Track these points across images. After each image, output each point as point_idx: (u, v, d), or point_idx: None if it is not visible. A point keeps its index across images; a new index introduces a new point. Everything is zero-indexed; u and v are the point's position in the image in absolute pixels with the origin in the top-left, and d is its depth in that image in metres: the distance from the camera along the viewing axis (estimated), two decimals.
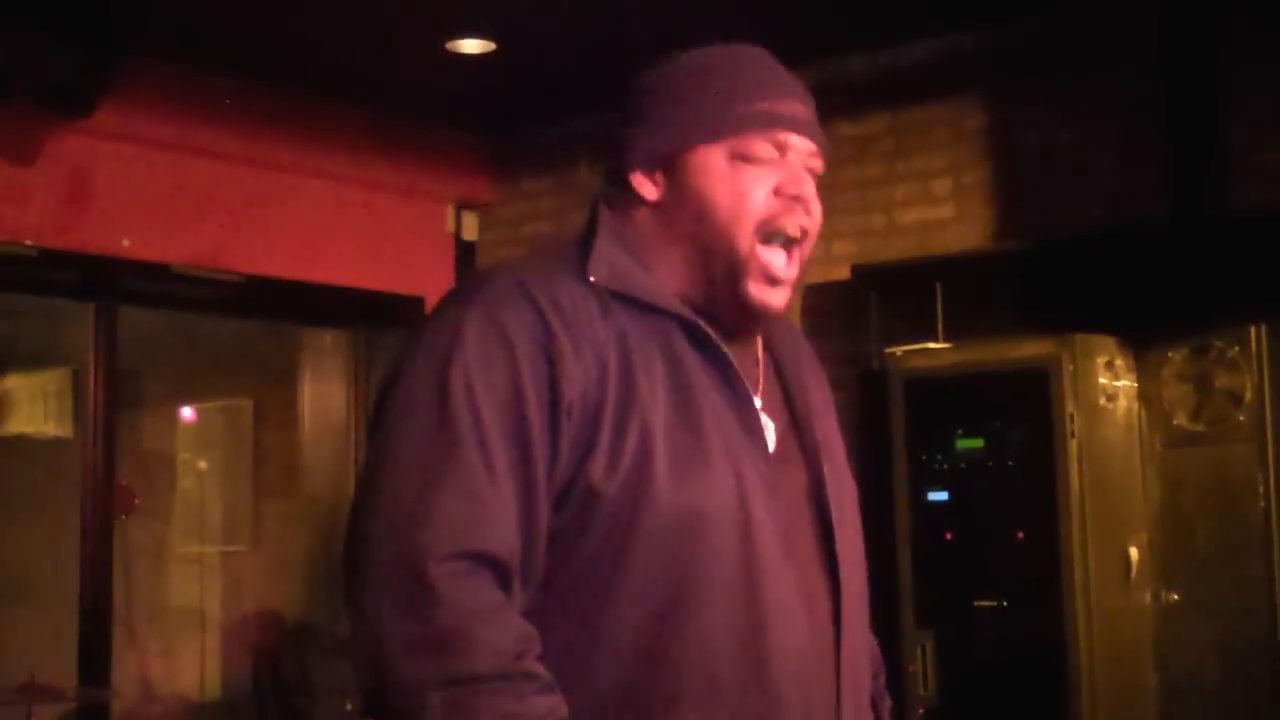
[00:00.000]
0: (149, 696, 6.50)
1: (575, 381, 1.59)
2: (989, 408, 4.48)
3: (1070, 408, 4.28)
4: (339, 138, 5.84)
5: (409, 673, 1.49)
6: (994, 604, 4.41)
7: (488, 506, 1.54)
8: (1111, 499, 4.37)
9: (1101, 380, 4.38)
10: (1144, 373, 4.52)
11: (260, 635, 6.48)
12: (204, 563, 7.08)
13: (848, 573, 1.75)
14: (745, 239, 1.70)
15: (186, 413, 7.24)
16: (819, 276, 5.43)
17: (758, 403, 1.73)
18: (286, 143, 5.68)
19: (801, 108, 1.76)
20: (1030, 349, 4.38)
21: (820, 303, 5.42)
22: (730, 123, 1.70)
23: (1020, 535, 4.37)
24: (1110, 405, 4.41)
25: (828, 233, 5.35)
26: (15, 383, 6.82)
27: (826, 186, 5.67)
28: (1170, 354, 4.47)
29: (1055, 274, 4.71)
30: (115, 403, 5.42)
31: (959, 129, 5.15)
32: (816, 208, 1.76)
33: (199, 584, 7.07)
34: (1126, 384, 4.48)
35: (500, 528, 1.54)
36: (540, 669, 1.53)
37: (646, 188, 1.74)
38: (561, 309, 1.61)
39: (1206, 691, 4.36)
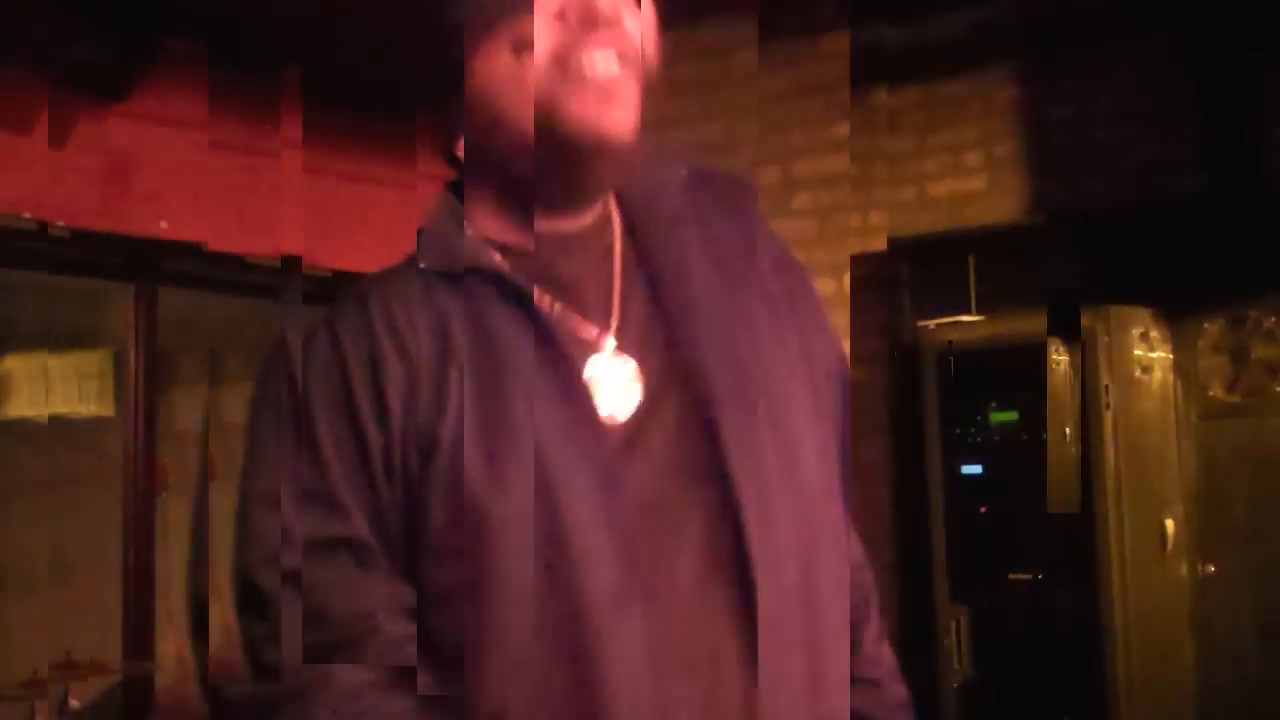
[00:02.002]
0: (188, 674, 6.56)
1: (397, 381, 1.35)
2: (1023, 380, 4.47)
3: (1105, 380, 4.26)
4: (378, 123, 5.85)
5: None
6: (1029, 577, 4.41)
7: (329, 495, 1.35)
8: (1147, 471, 4.35)
9: (1136, 352, 4.36)
10: (1179, 344, 4.50)
11: None
12: None
13: (770, 589, 1.26)
14: (545, 96, 1.32)
15: None
16: (857, 247, 5.41)
17: (609, 344, 1.34)
18: (320, 124, 5.70)
19: None
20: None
21: (857, 274, 5.40)
22: (496, 8, 1.34)
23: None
24: (1145, 377, 4.39)
25: (864, 204, 5.39)
26: (56, 363, 6.88)
27: (863, 156, 5.60)
28: (1206, 325, 4.45)
29: (1088, 245, 4.69)
30: (155, 383, 5.47)
31: (991, 101, 5.11)
32: (632, 21, 1.36)
33: None
34: (1161, 355, 4.46)
35: (343, 511, 1.34)
36: (390, 627, 1.30)
37: (458, 146, 1.44)
38: (390, 311, 1.39)
39: (1243, 663, 4.35)
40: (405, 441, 1.33)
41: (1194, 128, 4.54)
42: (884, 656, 1.59)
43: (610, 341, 1.34)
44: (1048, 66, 4.98)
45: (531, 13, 1.31)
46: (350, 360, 1.37)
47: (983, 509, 4.50)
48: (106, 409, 6.56)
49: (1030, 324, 4.46)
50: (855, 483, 4.55)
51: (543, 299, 1.34)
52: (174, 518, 6.24)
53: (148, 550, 5.33)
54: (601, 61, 1.31)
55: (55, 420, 6.62)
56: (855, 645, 1.48)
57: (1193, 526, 4.47)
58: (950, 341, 4.60)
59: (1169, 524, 4.41)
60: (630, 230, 1.40)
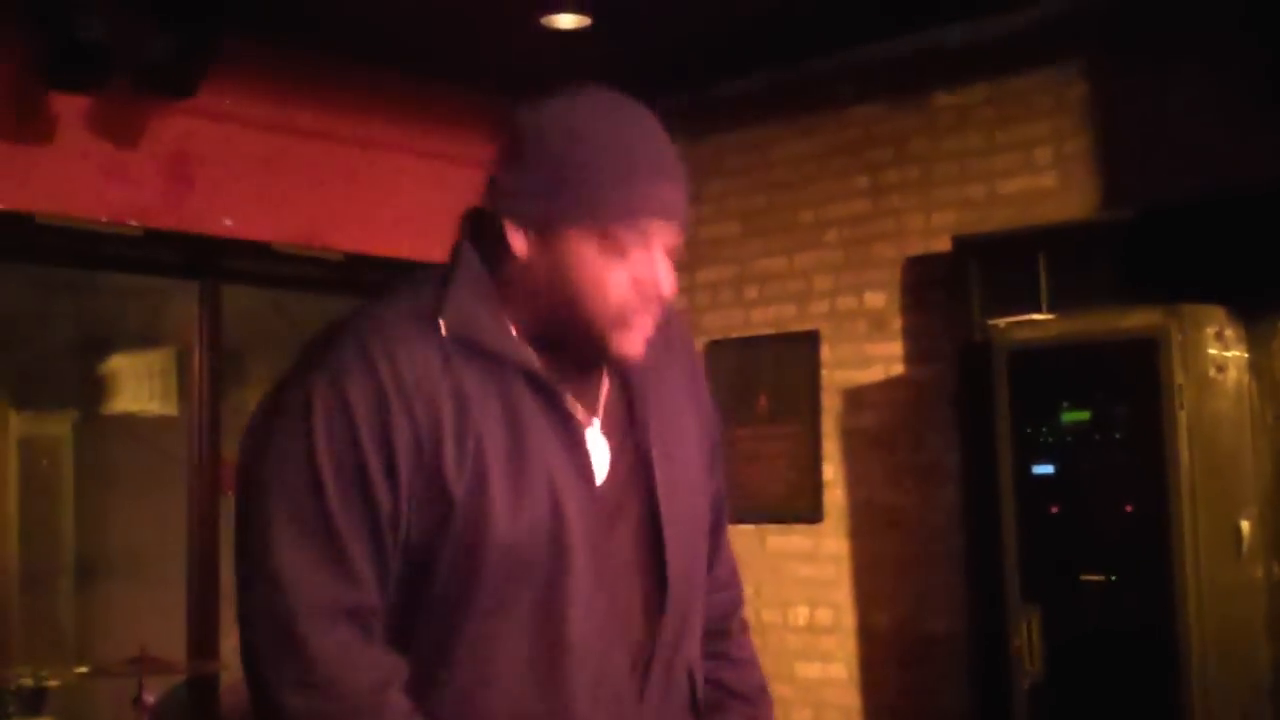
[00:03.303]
0: None
1: (405, 435, 1.73)
2: (1095, 379, 4.41)
3: (1179, 379, 4.20)
4: (436, 115, 5.86)
5: (294, 706, 1.71)
6: (1101, 578, 4.35)
7: (343, 564, 1.73)
8: (1222, 472, 4.29)
9: (1211, 351, 4.29)
10: (1255, 343, 4.43)
11: None
12: None
13: (677, 586, 1.89)
14: (600, 322, 1.81)
15: None
16: (918, 249, 5.38)
17: (596, 425, 1.88)
18: (384, 121, 5.71)
19: (677, 191, 1.84)
20: (1137, 319, 4.30)
21: (920, 275, 5.37)
22: (606, 210, 1.77)
23: (1128, 508, 4.30)
24: (1220, 376, 4.32)
25: (926, 204, 5.36)
26: (121, 362, 6.93)
27: (924, 158, 5.67)
28: None
29: (1162, 243, 4.63)
30: (219, 381, 5.49)
31: (1061, 97, 5.06)
32: (670, 283, 1.83)
33: None
34: (1236, 355, 4.39)
35: (356, 579, 1.73)
36: (397, 699, 1.73)
37: (517, 241, 1.82)
38: (398, 372, 1.74)
39: None
40: (410, 500, 1.74)
41: (1269, 122, 4.47)
42: (748, 645, 2.18)
43: (596, 423, 1.89)
44: (1119, 61, 4.93)
45: (623, 229, 1.78)
46: (361, 425, 1.72)
47: (1054, 509, 4.44)
48: (170, 408, 6.61)
49: (1102, 322, 4.41)
50: (921, 480, 4.59)
51: (561, 391, 1.83)
52: None
53: (212, 549, 5.35)
54: (647, 324, 1.84)
55: (147, 418, 6.68)
56: (727, 633, 2.12)
57: (1268, 528, 4.40)
58: (1021, 340, 4.55)
59: (1244, 525, 4.34)
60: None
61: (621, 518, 1.87)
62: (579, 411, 1.86)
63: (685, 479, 1.95)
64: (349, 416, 1.73)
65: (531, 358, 1.82)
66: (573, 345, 1.84)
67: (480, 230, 1.87)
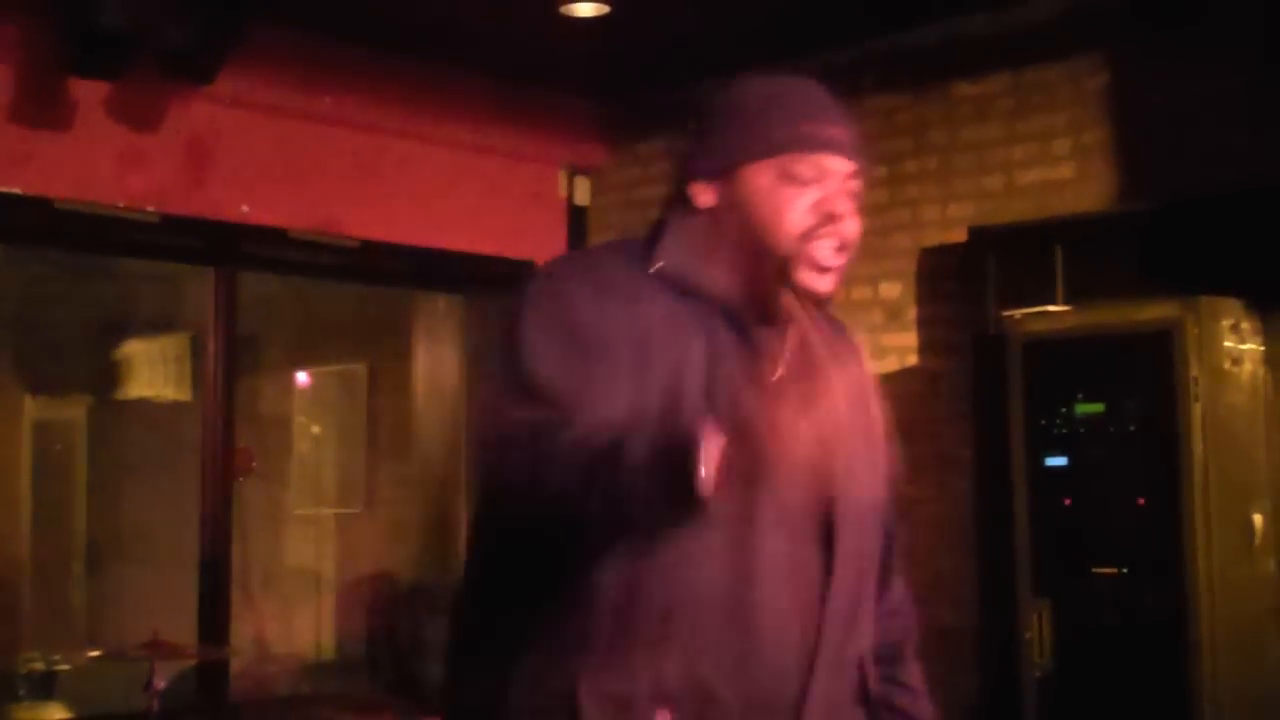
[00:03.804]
0: (266, 655, 6.61)
1: (615, 336, 1.87)
2: (1110, 372, 4.41)
3: (1194, 371, 4.20)
4: (453, 103, 5.86)
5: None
6: (1113, 571, 4.35)
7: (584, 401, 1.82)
8: (1236, 465, 4.28)
9: (1226, 343, 4.29)
10: (1271, 336, 4.42)
11: (374, 596, 6.56)
12: (319, 525, 7.19)
13: (846, 548, 1.96)
14: (785, 246, 1.92)
15: (302, 377, 7.34)
16: (935, 239, 5.38)
17: (777, 374, 1.95)
18: (401, 108, 5.72)
19: (842, 131, 1.97)
20: (1153, 311, 4.30)
21: (936, 265, 5.37)
22: (776, 144, 1.94)
23: (1141, 501, 4.30)
24: (1235, 369, 4.32)
25: (942, 195, 5.36)
26: (137, 347, 6.96)
27: (943, 149, 5.64)
28: None
29: (1179, 235, 4.62)
30: (234, 367, 5.50)
31: (1080, 88, 5.06)
32: (853, 222, 1.95)
33: (314, 546, 7.18)
34: (1252, 347, 4.38)
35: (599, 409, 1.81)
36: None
37: (702, 197, 1.97)
38: (609, 283, 1.93)
39: None
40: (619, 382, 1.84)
41: None
42: (919, 674, 2.22)
43: (779, 373, 1.95)
44: (1140, 52, 4.92)
45: (803, 154, 1.92)
46: (580, 306, 1.89)
47: (1067, 501, 4.44)
48: (185, 394, 6.62)
49: (1118, 314, 4.41)
50: (934, 471, 4.56)
51: (757, 333, 1.95)
52: (254, 501, 6.29)
53: (225, 535, 5.36)
54: (830, 257, 1.92)
55: (161, 403, 6.70)
56: (901, 658, 2.19)
57: None
58: (1036, 332, 4.54)
59: (1257, 519, 4.34)
60: (804, 338, 1.97)
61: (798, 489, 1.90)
62: (763, 357, 1.95)
63: (856, 466, 1.97)
64: (568, 300, 1.91)
65: (731, 295, 1.94)
66: (763, 287, 1.94)
67: (671, 209, 2.02)
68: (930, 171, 5.42)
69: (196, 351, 6.25)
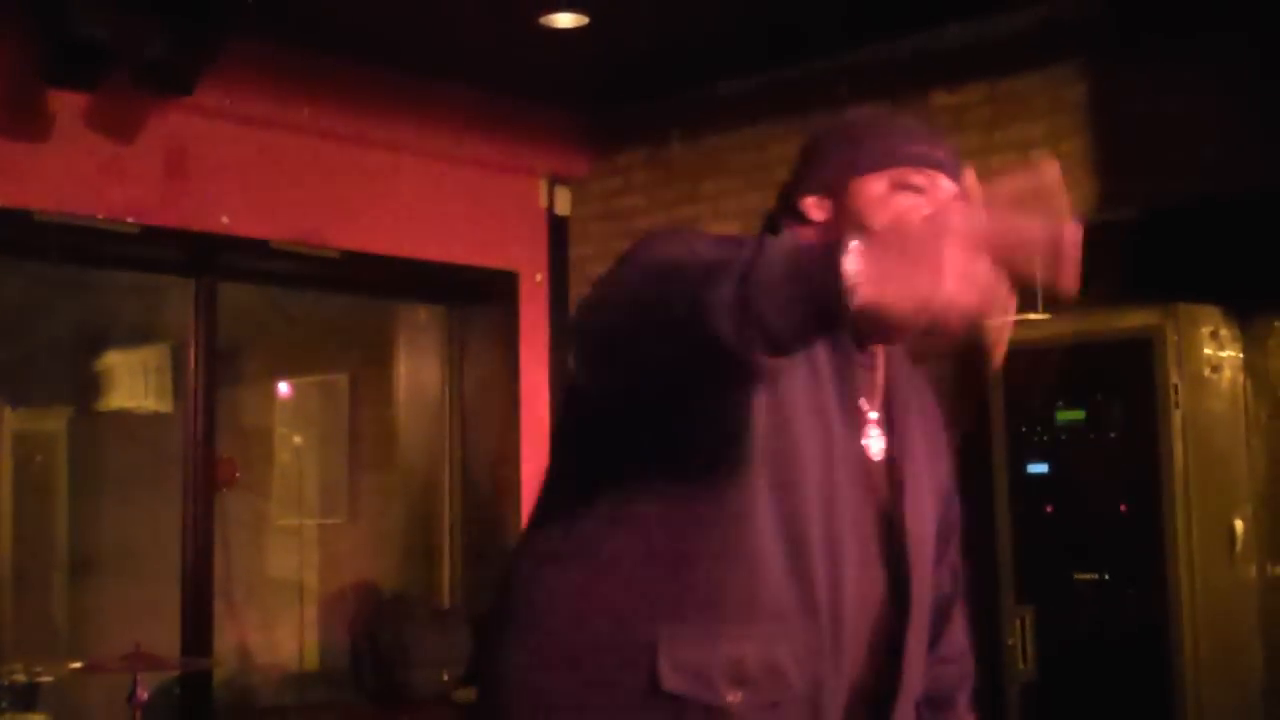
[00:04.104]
0: (249, 666, 6.59)
1: None
2: (1090, 379, 4.43)
3: (1174, 379, 4.21)
4: (434, 114, 5.86)
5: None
6: (1095, 578, 4.36)
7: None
8: (1216, 472, 4.30)
9: (1206, 351, 4.31)
10: (1250, 343, 4.44)
11: (357, 607, 6.55)
12: (302, 535, 7.16)
13: (918, 573, 2.00)
14: None
15: (284, 388, 7.32)
16: None
17: (873, 415, 2.02)
18: (382, 119, 5.72)
19: (951, 157, 2.02)
20: (1133, 319, 4.32)
21: None
22: (891, 156, 1.99)
23: (1123, 508, 4.32)
24: (1215, 376, 4.34)
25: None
26: (117, 358, 6.93)
27: None
28: (1277, 324, 4.40)
29: (1158, 243, 4.64)
30: (215, 378, 5.49)
31: (1058, 97, 5.07)
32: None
33: (297, 556, 7.16)
34: (1231, 355, 4.40)
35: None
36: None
37: (815, 211, 2.03)
38: None
39: None
40: None
41: (1267, 123, 4.48)
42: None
43: (874, 415, 2.02)
44: (1118, 61, 4.94)
45: (915, 167, 1.97)
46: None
47: (1049, 508, 4.46)
48: (165, 405, 6.60)
49: (1098, 322, 4.42)
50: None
51: (853, 360, 1.98)
52: (237, 512, 6.27)
53: (207, 546, 5.35)
54: None
55: (142, 414, 6.67)
56: (953, 704, 2.22)
57: (1262, 528, 4.41)
58: (1016, 339, 4.55)
59: (1238, 525, 4.36)
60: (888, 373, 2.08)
61: (873, 508, 1.97)
62: (859, 394, 2.00)
63: (925, 501, 2.05)
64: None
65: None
66: None
67: (777, 226, 2.08)
68: None
69: (177, 362, 6.22)
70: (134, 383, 6.85)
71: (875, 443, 2.00)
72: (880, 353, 2.06)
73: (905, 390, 2.10)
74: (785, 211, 2.07)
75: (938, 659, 2.15)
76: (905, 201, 1.96)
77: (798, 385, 1.87)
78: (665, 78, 5.81)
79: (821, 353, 1.92)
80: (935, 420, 2.19)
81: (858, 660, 1.92)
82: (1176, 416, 4.20)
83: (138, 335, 6.68)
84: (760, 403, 1.81)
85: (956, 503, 2.21)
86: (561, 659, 1.85)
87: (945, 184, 1.98)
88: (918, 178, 1.97)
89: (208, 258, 5.39)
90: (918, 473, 2.04)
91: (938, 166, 2.00)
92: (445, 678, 5.58)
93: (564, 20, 5.16)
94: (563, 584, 1.87)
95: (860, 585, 1.91)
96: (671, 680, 1.78)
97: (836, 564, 1.87)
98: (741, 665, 1.80)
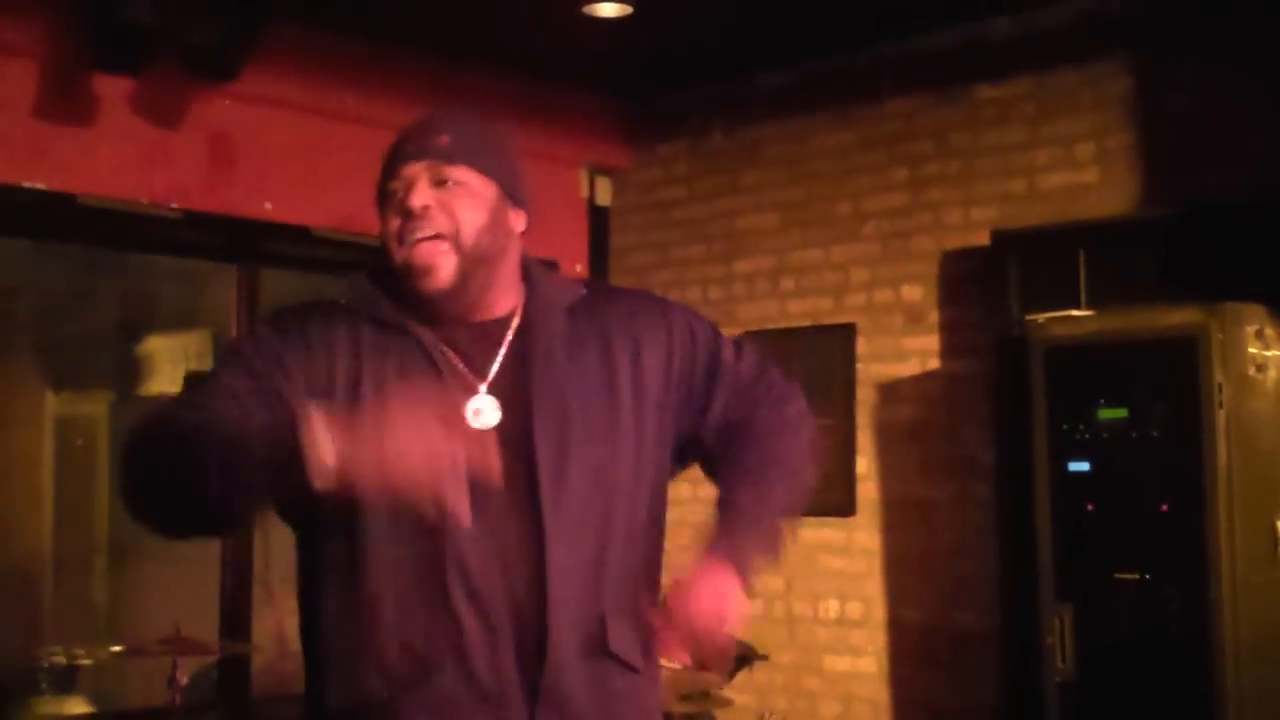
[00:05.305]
0: (287, 652, 6.62)
1: (299, 363, 2.11)
2: (1133, 377, 4.39)
3: (1218, 378, 4.18)
4: (476, 102, 5.85)
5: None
6: (1136, 577, 4.33)
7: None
8: (1260, 472, 4.26)
9: (1251, 350, 4.26)
10: None
11: None
12: None
13: (551, 519, 2.08)
14: (392, 256, 2.16)
15: None
16: (957, 243, 5.37)
17: (483, 390, 2.14)
18: (424, 106, 5.70)
19: (412, 144, 2.20)
20: (1177, 317, 4.28)
21: (958, 269, 5.35)
22: (380, 184, 2.20)
23: (1164, 507, 4.28)
24: (1260, 375, 4.30)
25: (965, 198, 5.34)
26: (158, 343, 6.96)
27: (965, 152, 5.62)
28: None
29: (1203, 240, 4.60)
30: None
31: (1104, 92, 5.04)
32: (419, 199, 2.14)
33: None
34: (1276, 354, 4.36)
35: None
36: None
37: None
38: (305, 319, 2.17)
39: None
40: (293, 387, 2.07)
41: None
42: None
43: (483, 388, 2.14)
44: (1164, 57, 4.90)
45: (389, 179, 2.18)
46: (262, 339, 2.15)
47: (1089, 506, 4.43)
48: None
49: (1141, 319, 4.38)
50: (955, 476, 4.55)
51: (443, 355, 2.14)
52: None
53: (247, 531, 5.36)
54: (417, 257, 2.13)
55: (159, 400, 6.69)
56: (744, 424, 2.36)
57: None
58: (1059, 336, 4.52)
59: None
60: (524, 325, 2.20)
61: (505, 456, 2.03)
62: (462, 373, 2.14)
63: (592, 451, 2.13)
64: (258, 334, 2.19)
65: (412, 324, 2.15)
66: (424, 301, 2.15)
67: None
68: (952, 174, 5.40)
69: (218, 348, 6.25)
70: (175, 368, 6.88)
71: (488, 415, 2.12)
72: (517, 314, 2.21)
73: (571, 330, 2.21)
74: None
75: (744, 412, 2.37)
76: (385, 212, 2.19)
77: (390, 382, 2.08)
78: (707, 69, 5.79)
79: (414, 349, 2.12)
80: (650, 323, 2.27)
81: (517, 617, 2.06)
82: (1220, 416, 4.16)
83: (179, 320, 6.71)
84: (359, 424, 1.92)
85: (705, 353, 2.31)
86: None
87: (410, 171, 2.16)
88: (390, 185, 2.17)
89: (250, 244, 5.41)
90: (565, 415, 2.13)
91: (397, 162, 2.19)
92: None
93: (607, 10, 5.16)
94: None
95: (496, 549, 2.05)
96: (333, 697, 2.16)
97: (447, 545, 2.02)
98: (385, 666, 2.05)
